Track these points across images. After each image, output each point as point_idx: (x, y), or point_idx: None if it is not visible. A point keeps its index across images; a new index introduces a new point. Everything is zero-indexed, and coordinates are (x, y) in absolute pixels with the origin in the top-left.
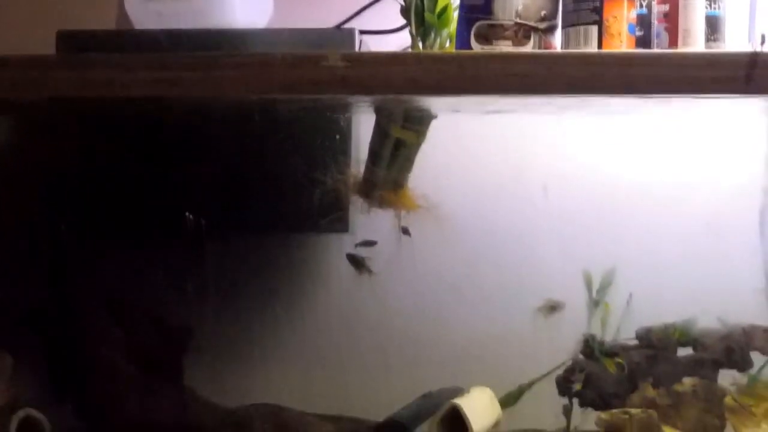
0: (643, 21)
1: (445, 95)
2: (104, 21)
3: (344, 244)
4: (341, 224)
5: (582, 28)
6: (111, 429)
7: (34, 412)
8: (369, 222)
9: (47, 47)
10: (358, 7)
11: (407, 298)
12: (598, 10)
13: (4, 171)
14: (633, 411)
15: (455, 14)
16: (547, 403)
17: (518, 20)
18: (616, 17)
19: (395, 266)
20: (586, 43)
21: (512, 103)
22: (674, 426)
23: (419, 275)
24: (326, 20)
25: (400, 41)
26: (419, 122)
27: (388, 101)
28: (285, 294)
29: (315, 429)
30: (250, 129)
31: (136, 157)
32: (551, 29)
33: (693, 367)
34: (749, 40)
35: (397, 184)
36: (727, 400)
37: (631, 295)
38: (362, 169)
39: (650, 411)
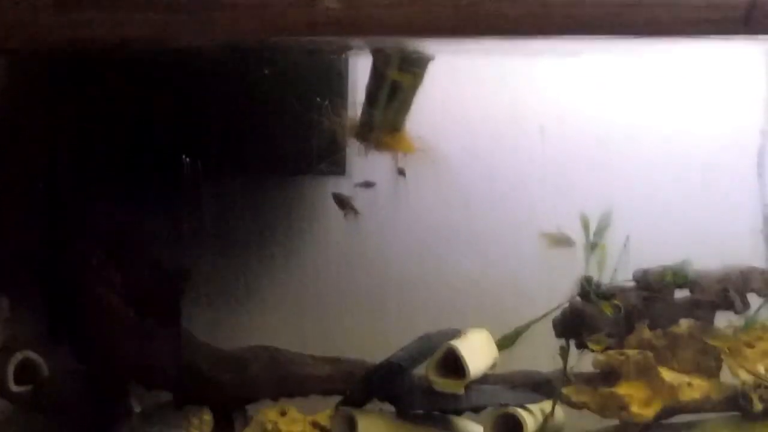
0: None
1: (441, 37)
2: None
3: (341, 186)
4: (338, 167)
5: None
6: (109, 371)
7: (32, 354)
8: (366, 165)
9: None
10: None
11: (404, 240)
12: None
13: (2, 115)
14: (629, 352)
15: None
16: (543, 345)
17: None
18: None
19: (392, 209)
20: None
21: (509, 46)
22: (670, 367)
23: (416, 218)
24: None
25: None
26: (416, 65)
27: (385, 43)
28: (282, 237)
29: (312, 370)
30: (247, 72)
31: (132, 100)
32: None
33: (690, 308)
34: None
35: (394, 126)
36: (724, 341)
37: (628, 238)
38: (359, 111)
39: (646, 352)
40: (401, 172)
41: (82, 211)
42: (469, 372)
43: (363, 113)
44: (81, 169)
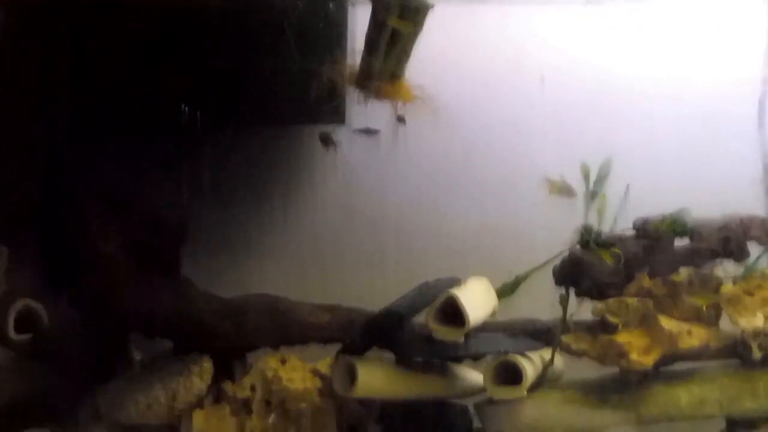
0: None
1: None
2: None
3: (341, 135)
4: (337, 115)
5: None
6: (109, 320)
7: (32, 303)
8: (365, 113)
9: None
10: None
11: (403, 189)
12: None
13: (1, 66)
14: (629, 301)
15: None
16: (543, 293)
17: None
18: None
19: (391, 157)
20: None
21: None
22: (670, 315)
23: (415, 166)
24: None
25: None
26: (415, 12)
27: None
28: (281, 186)
29: (311, 318)
30: (246, 21)
31: (131, 50)
32: None
33: (689, 257)
34: None
35: (394, 75)
36: (723, 289)
37: (628, 187)
38: (359, 60)
39: (646, 301)
40: (401, 120)
41: (82, 163)
42: (468, 320)
43: (362, 62)
44: (81, 121)
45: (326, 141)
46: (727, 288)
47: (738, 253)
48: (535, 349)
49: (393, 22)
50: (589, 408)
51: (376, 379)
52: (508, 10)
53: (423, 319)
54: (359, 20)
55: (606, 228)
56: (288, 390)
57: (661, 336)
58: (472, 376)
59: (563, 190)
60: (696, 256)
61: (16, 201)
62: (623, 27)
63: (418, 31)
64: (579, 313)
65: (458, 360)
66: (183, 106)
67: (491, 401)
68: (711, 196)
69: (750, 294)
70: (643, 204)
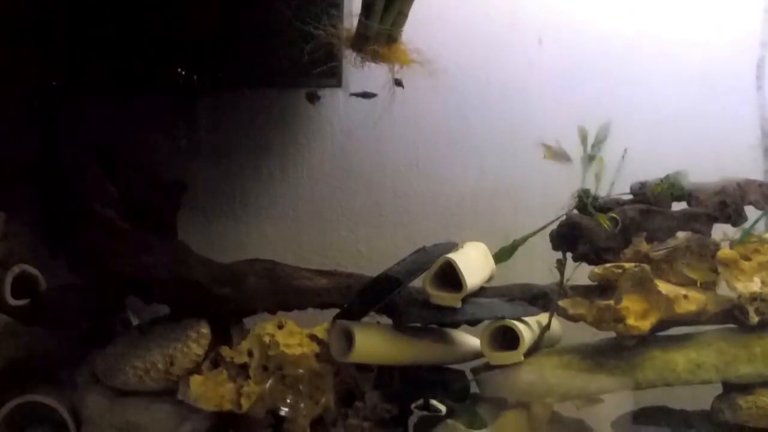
0: None
1: None
2: None
3: (338, 98)
4: (334, 79)
5: None
6: (106, 284)
7: (29, 268)
8: (362, 77)
9: None
10: None
11: (401, 152)
12: None
13: None
14: (626, 265)
15: None
16: (540, 257)
17: None
18: None
19: (389, 120)
20: None
21: None
22: (667, 280)
23: (413, 129)
24: None
25: None
26: None
27: None
28: (279, 149)
29: (309, 283)
30: None
31: (127, 10)
32: None
33: (687, 221)
34: None
35: (391, 38)
36: (720, 253)
37: (626, 150)
38: (355, 23)
39: (644, 265)
40: (398, 83)
41: (77, 125)
42: (466, 285)
43: (359, 24)
44: (76, 83)
45: (312, 98)
46: (724, 252)
47: (735, 218)
48: (532, 314)
49: None
50: (586, 373)
51: (374, 344)
52: None
53: (420, 284)
54: None
55: (603, 192)
56: (285, 355)
57: (658, 300)
58: (470, 341)
59: (558, 155)
60: (693, 220)
61: (12, 164)
62: None
63: None
64: (576, 278)
65: (455, 325)
66: (179, 67)
67: (488, 366)
68: (709, 160)
69: (747, 258)
70: (640, 167)
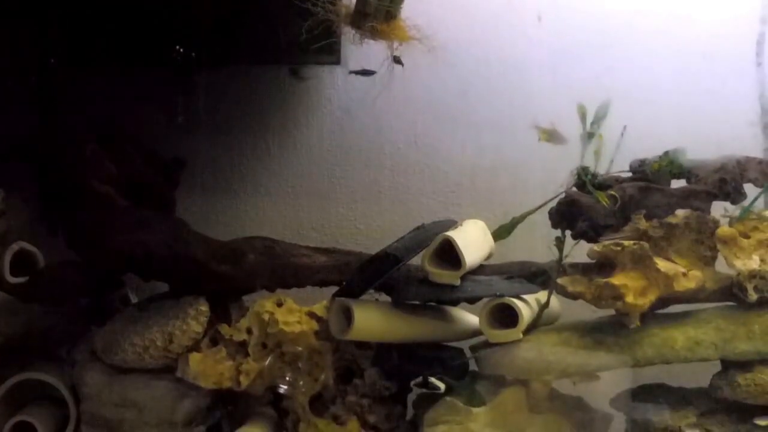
0: None
1: None
2: None
3: (336, 75)
4: (333, 56)
5: None
6: (105, 261)
7: (28, 245)
8: (361, 54)
9: None
10: None
11: (399, 129)
12: None
13: None
14: (625, 243)
15: None
16: (539, 235)
17: None
18: None
19: (388, 98)
20: None
21: None
22: (666, 258)
23: (412, 107)
24: None
25: None
26: None
27: None
28: (277, 127)
29: (308, 261)
30: None
31: None
32: None
33: (686, 198)
34: None
35: (390, 14)
36: (720, 231)
37: (625, 127)
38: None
39: (643, 243)
40: (397, 60)
41: (76, 103)
42: (465, 262)
43: (358, 1)
44: (75, 60)
45: (296, 74)
46: (723, 230)
47: (734, 195)
48: (531, 291)
49: None
50: (585, 350)
51: (373, 321)
52: None
53: (419, 261)
54: None
55: (602, 169)
56: (284, 333)
57: (657, 278)
58: (468, 318)
59: (553, 136)
60: (693, 198)
61: (10, 142)
62: None
63: None
64: (575, 256)
65: (454, 302)
66: (178, 45)
67: (487, 344)
68: (708, 137)
69: (746, 236)
70: (639, 145)
